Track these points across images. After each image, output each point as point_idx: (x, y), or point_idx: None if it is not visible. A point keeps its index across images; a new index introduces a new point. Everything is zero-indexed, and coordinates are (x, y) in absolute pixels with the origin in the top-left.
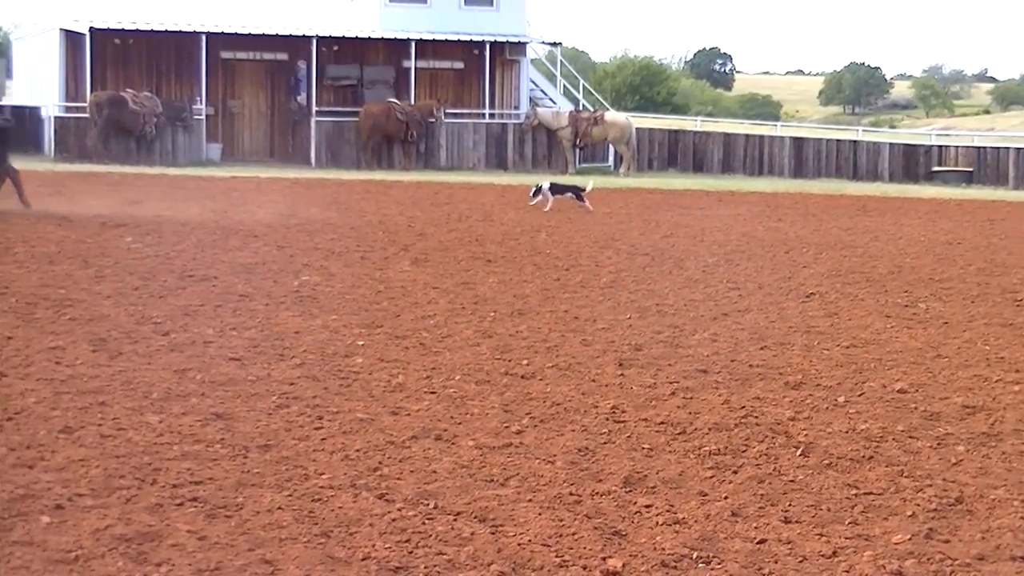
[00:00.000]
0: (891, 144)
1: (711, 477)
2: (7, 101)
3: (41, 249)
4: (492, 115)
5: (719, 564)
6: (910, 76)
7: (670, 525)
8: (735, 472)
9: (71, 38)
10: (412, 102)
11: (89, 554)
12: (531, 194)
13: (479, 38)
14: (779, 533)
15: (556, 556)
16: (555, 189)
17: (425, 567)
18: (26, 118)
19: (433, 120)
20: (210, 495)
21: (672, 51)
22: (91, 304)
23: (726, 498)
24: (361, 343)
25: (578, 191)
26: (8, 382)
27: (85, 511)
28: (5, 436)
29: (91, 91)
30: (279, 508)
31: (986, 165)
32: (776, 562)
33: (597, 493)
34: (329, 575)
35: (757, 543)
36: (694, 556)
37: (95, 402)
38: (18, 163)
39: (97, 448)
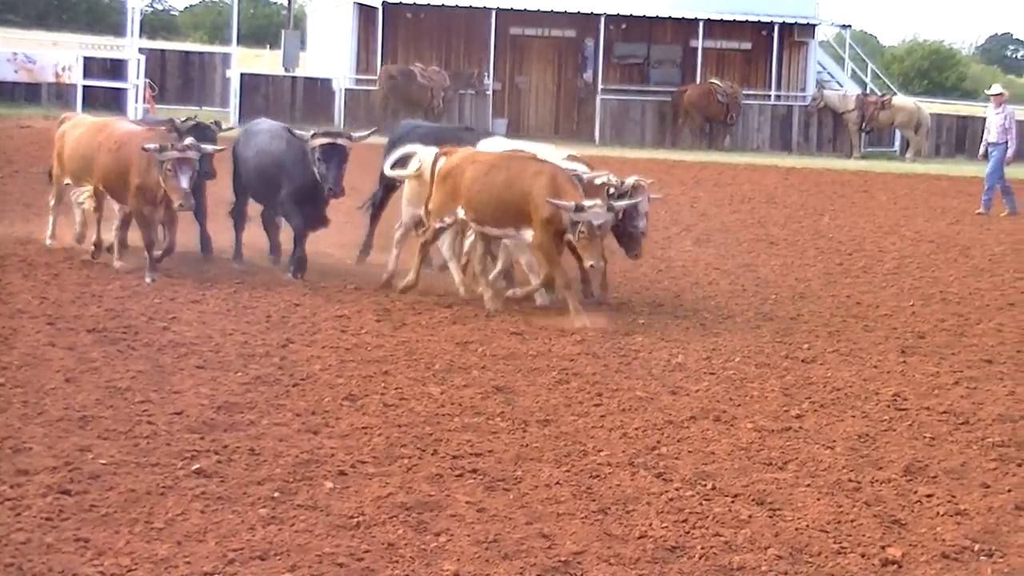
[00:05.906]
0: None
1: (994, 469)
2: (300, 72)
3: (333, 217)
4: (778, 97)
5: (1002, 557)
6: None
7: (951, 516)
8: (1020, 465)
9: (364, 11)
10: (717, 82)
11: (371, 520)
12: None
13: (768, 19)
14: None
15: (834, 543)
16: None
17: (702, 548)
18: (317, 90)
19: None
20: (490, 467)
21: (963, 36)
22: (375, 275)
23: (1010, 491)
24: (642, 322)
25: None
26: (295, 348)
27: (367, 478)
28: (292, 402)
29: (381, 64)
30: (557, 483)
31: None
32: None
33: (877, 481)
34: (606, 551)
35: None
36: (976, 548)
37: (379, 371)
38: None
39: (380, 416)
